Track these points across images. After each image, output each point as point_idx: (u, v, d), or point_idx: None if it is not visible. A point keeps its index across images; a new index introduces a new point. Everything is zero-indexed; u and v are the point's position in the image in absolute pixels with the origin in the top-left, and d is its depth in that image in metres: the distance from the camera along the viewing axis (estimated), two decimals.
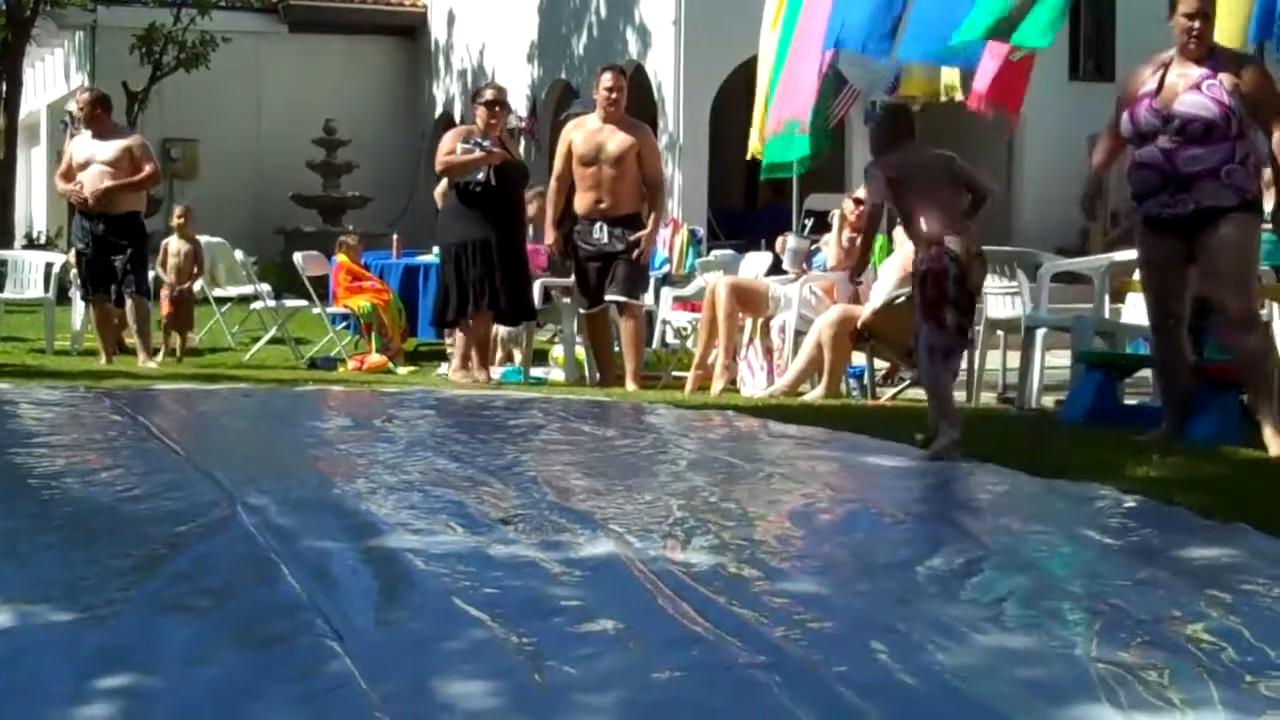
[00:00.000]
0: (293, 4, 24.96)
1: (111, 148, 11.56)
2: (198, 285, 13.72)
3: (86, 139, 11.70)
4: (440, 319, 10.93)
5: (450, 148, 10.40)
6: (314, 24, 24.55)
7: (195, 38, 22.95)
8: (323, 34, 24.58)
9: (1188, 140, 6.64)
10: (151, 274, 12.80)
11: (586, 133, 10.24)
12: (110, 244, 11.53)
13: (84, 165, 11.54)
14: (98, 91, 12.25)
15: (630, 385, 9.95)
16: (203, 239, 13.58)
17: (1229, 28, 7.90)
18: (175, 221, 13.70)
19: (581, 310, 10.54)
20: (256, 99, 23.92)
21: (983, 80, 9.98)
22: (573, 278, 10.58)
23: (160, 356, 12.34)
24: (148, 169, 11.70)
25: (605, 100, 10.22)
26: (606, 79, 10.30)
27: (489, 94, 10.76)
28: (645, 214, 10.26)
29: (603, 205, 10.11)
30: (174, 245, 13.55)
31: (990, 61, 9.83)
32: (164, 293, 13.33)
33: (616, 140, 10.10)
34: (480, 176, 10.28)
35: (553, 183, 10.48)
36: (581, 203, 10.21)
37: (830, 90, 11.58)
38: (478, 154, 10.29)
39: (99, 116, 11.73)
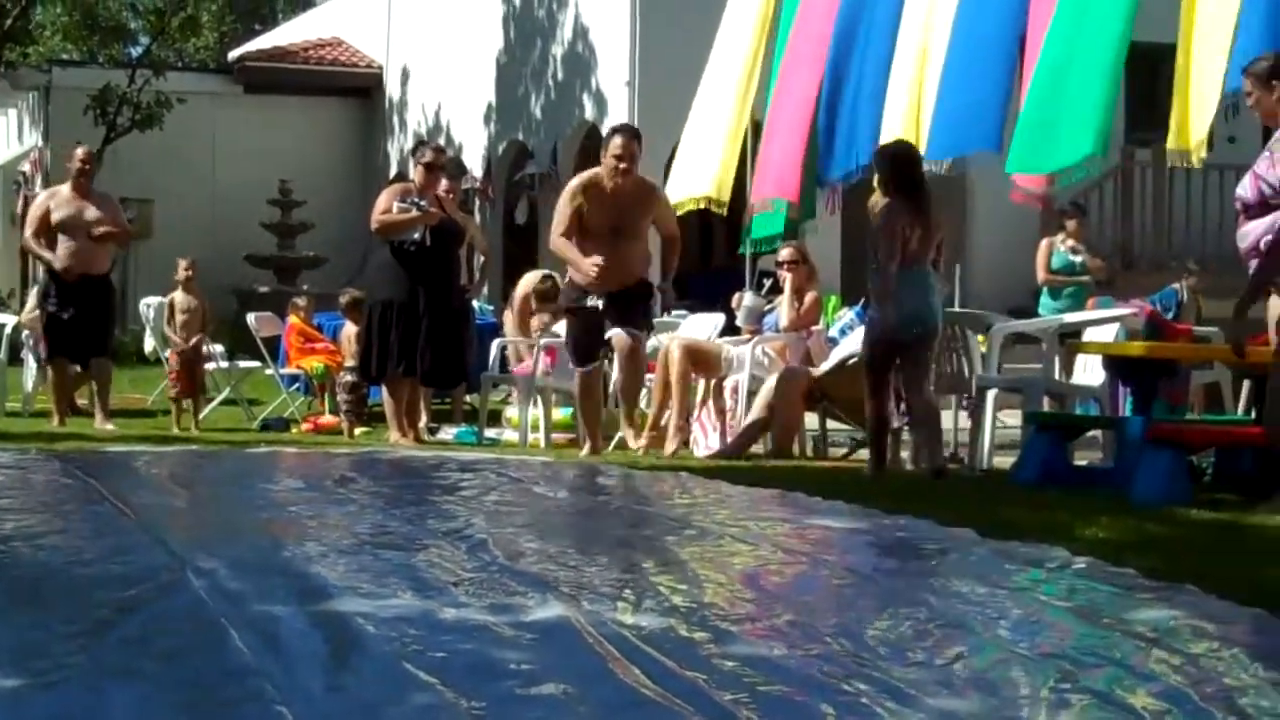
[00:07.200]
0: (248, 65, 25.05)
1: (96, 209, 11.57)
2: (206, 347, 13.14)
3: (69, 196, 11.64)
4: (365, 375, 10.95)
5: (386, 206, 10.34)
6: (269, 85, 24.59)
7: (150, 98, 22.98)
8: (277, 95, 24.60)
9: None
10: (147, 338, 12.64)
11: (599, 203, 9.42)
12: (85, 306, 11.51)
13: (65, 225, 11.48)
14: (91, 150, 12.30)
15: (628, 432, 9.78)
16: (154, 300, 13.48)
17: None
18: (181, 275, 12.84)
19: (577, 371, 9.80)
20: (211, 160, 23.91)
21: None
22: (566, 337, 10.12)
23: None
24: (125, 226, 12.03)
25: (612, 171, 9.36)
26: (616, 145, 9.37)
27: (428, 155, 10.64)
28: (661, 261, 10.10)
29: (618, 277, 9.44)
30: (180, 301, 12.84)
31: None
32: (173, 357, 12.68)
33: (632, 215, 9.46)
34: (415, 236, 10.28)
35: (561, 240, 9.51)
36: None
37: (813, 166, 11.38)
38: (414, 213, 10.26)
39: (88, 174, 11.76)
